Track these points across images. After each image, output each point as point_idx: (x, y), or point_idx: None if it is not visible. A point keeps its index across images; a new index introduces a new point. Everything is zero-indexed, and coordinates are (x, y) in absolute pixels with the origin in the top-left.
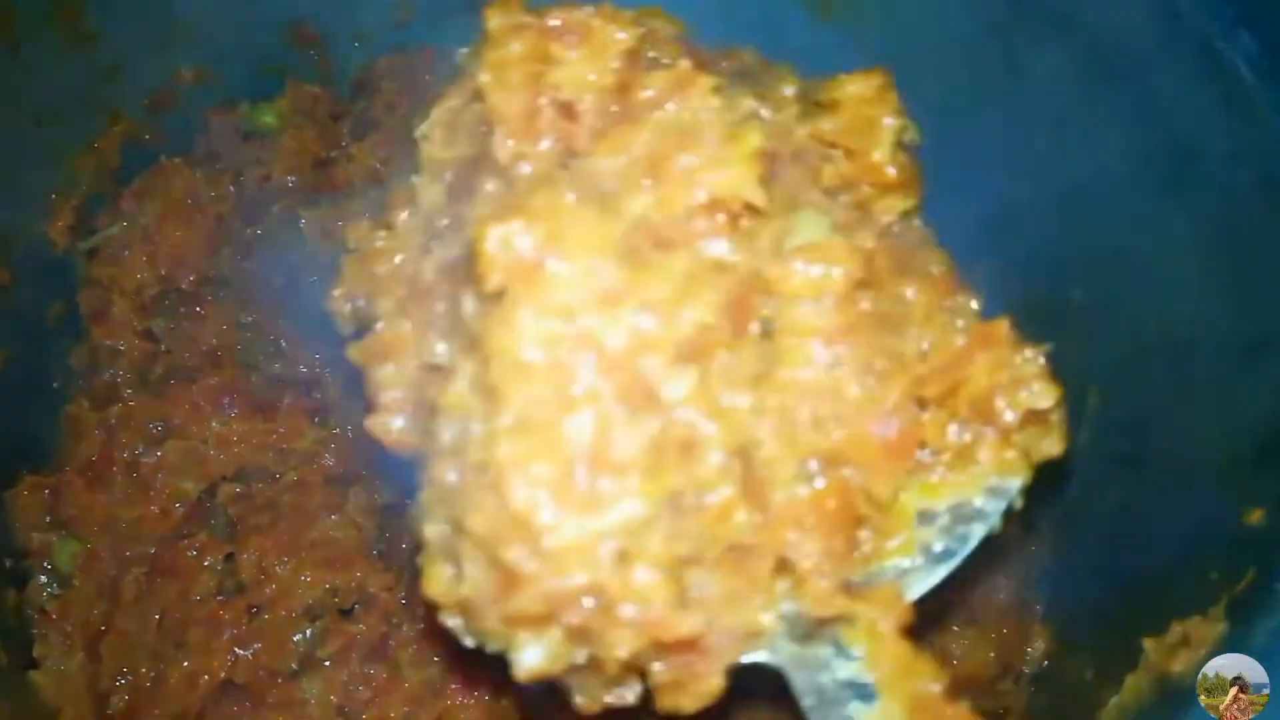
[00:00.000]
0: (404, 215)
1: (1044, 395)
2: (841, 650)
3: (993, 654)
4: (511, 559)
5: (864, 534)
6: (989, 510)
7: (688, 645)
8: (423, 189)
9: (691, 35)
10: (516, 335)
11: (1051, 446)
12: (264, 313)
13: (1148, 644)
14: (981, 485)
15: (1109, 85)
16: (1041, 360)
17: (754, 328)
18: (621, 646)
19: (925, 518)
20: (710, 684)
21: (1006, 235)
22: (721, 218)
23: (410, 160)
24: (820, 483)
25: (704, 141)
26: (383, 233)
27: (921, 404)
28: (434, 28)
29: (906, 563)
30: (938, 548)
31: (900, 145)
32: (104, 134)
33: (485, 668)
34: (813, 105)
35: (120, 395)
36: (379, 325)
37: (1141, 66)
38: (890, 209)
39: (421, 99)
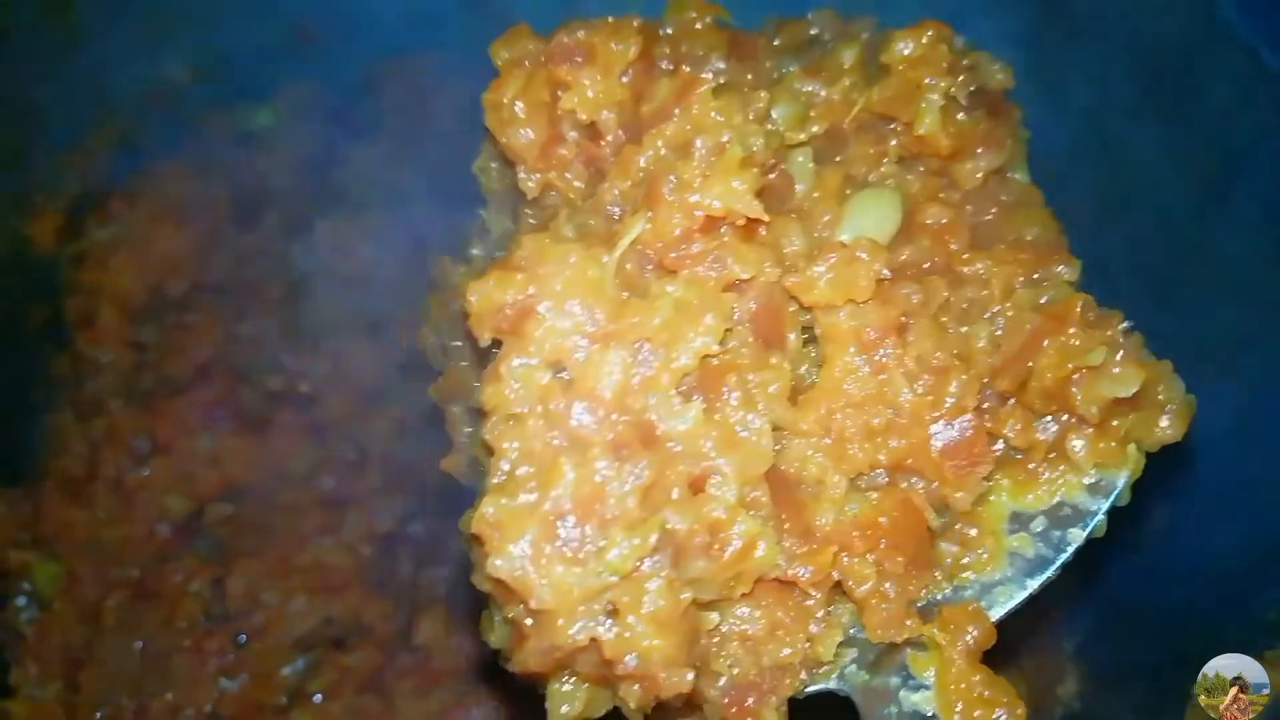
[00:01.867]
0: (477, 249)
1: (1124, 383)
2: (910, 678)
3: (1024, 691)
4: (513, 617)
5: (947, 547)
6: (1092, 509)
7: (692, 700)
8: (490, 220)
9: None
10: (502, 388)
11: (1168, 431)
12: (261, 324)
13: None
14: (1082, 481)
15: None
16: (1121, 340)
17: (792, 338)
18: (631, 700)
19: (1019, 522)
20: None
21: None
22: (726, 232)
23: (413, 163)
24: (873, 498)
25: (693, 156)
26: (462, 268)
27: (1003, 397)
28: (439, 27)
29: (996, 575)
30: (1029, 555)
31: (958, 105)
32: (93, 133)
33: (481, 703)
34: (876, 70)
35: (105, 407)
36: (456, 364)
37: (1183, 75)
38: (974, 170)
39: (424, 101)
